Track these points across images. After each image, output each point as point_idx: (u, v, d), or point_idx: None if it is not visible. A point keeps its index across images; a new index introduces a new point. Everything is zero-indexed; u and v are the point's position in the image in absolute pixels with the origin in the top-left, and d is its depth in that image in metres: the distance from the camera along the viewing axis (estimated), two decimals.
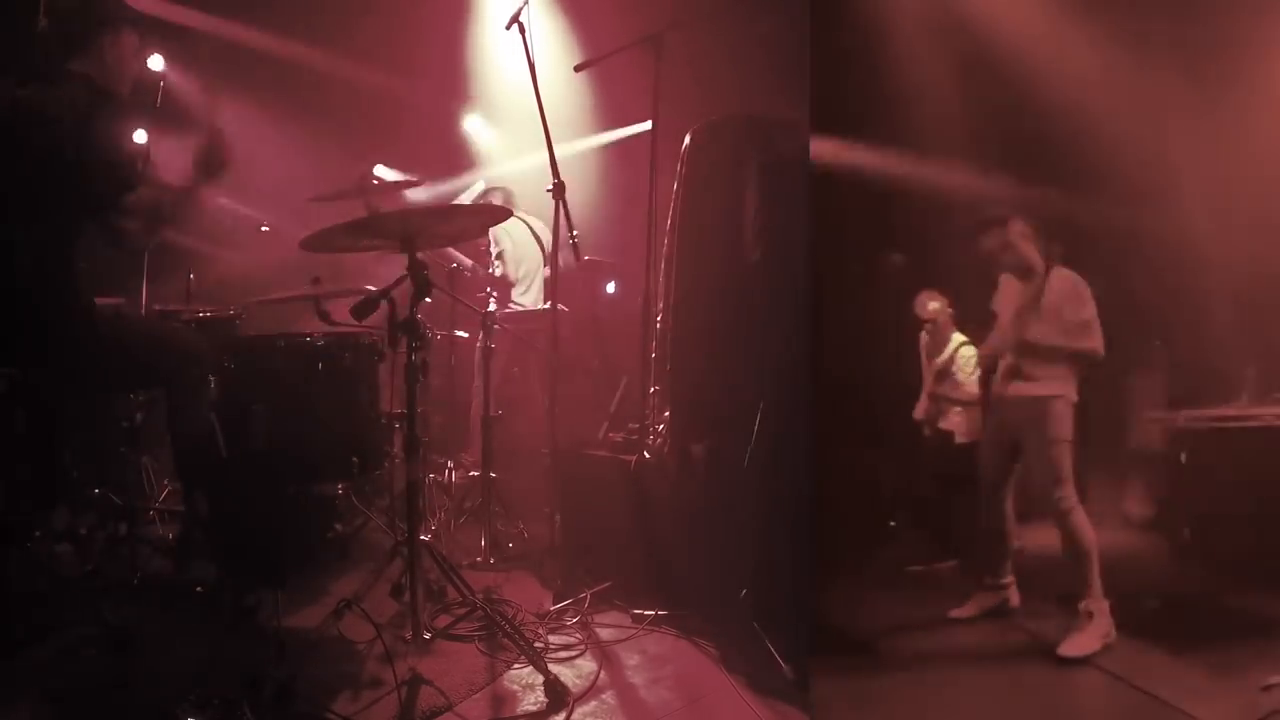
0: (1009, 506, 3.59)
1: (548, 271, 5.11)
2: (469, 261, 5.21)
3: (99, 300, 3.04)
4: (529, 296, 5.25)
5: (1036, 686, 3.07)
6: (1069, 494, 3.29)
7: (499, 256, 5.20)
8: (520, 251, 5.24)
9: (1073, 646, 3.14)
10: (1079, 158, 4.16)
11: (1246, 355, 4.25)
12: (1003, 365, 3.51)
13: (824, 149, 3.55)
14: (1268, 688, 2.73)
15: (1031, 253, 3.44)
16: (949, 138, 4.17)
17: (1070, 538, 3.27)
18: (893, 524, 5.09)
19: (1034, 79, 4.06)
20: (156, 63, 4.31)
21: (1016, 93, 4.08)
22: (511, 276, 5.20)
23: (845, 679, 3.01)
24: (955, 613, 3.66)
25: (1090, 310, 3.36)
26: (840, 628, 3.44)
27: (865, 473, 4.94)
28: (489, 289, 5.04)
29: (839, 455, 4.49)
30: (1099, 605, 3.21)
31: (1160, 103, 4.31)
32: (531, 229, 5.27)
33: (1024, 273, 3.47)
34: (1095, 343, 3.35)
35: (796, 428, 3.08)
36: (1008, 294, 3.58)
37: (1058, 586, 3.45)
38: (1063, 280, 3.39)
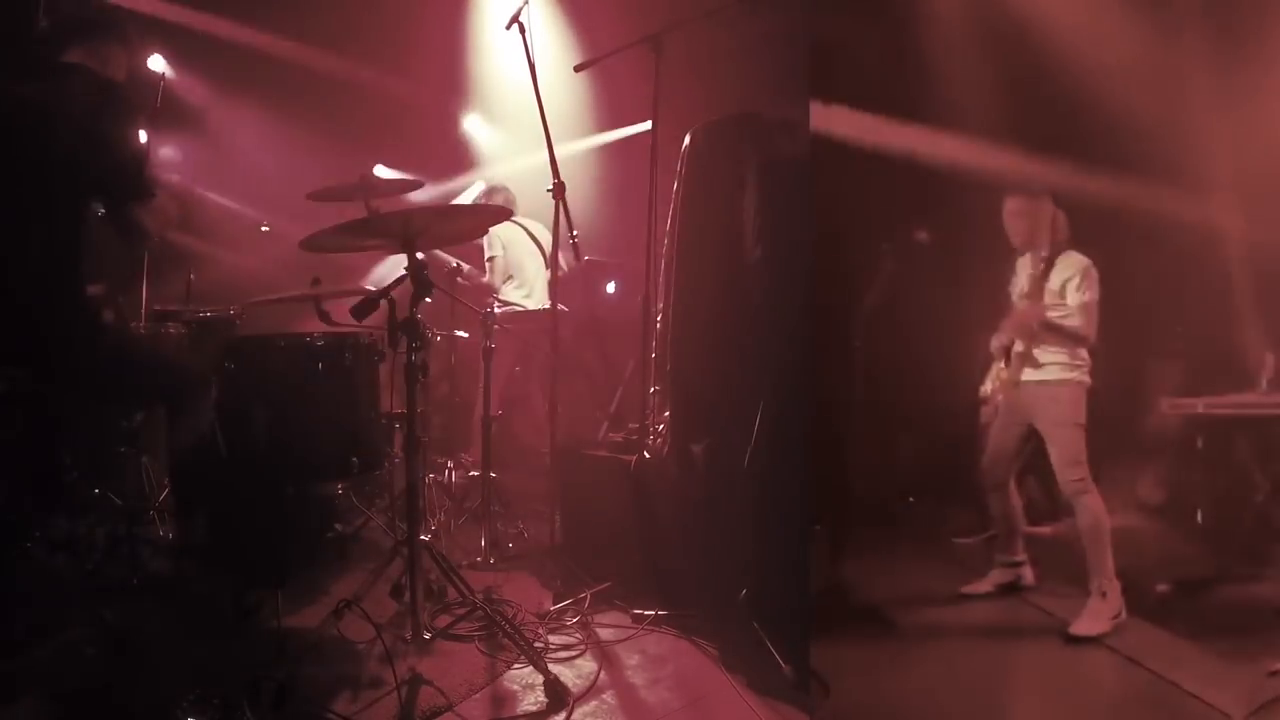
0: (1013, 487, 3.62)
1: (548, 273, 5.10)
2: (467, 266, 5.18)
3: (93, 288, 3.03)
4: (532, 300, 5.23)
5: (1047, 664, 3.09)
6: (1083, 475, 3.30)
7: (490, 260, 5.19)
8: (513, 254, 5.23)
9: (1084, 625, 3.16)
10: (1097, 139, 4.14)
11: (1266, 342, 4.24)
12: (1014, 351, 3.51)
13: (829, 125, 3.51)
14: (1275, 673, 2.74)
15: (1042, 231, 3.43)
16: (962, 115, 4.16)
17: (1083, 518, 3.29)
18: (911, 500, 5.11)
19: (1053, 59, 4.04)
20: (157, 63, 4.31)
21: (1036, 72, 4.05)
22: (498, 283, 5.19)
23: (856, 651, 3.03)
24: (968, 588, 3.68)
25: (1092, 295, 3.35)
26: (852, 601, 3.45)
27: (884, 450, 4.96)
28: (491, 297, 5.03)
29: (856, 434, 4.48)
30: (1111, 585, 3.22)
31: (1187, 86, 4.30)
32: (529, 233, 5.26)
33: (1031, 250, 3.47)
34: (1086, 327, 3.34)
35: (796, 427, 3.07)
36: (1022, 280, 3.58)
37: (1071, 566, 3.47)
38: (1071, 263, 3.38)
